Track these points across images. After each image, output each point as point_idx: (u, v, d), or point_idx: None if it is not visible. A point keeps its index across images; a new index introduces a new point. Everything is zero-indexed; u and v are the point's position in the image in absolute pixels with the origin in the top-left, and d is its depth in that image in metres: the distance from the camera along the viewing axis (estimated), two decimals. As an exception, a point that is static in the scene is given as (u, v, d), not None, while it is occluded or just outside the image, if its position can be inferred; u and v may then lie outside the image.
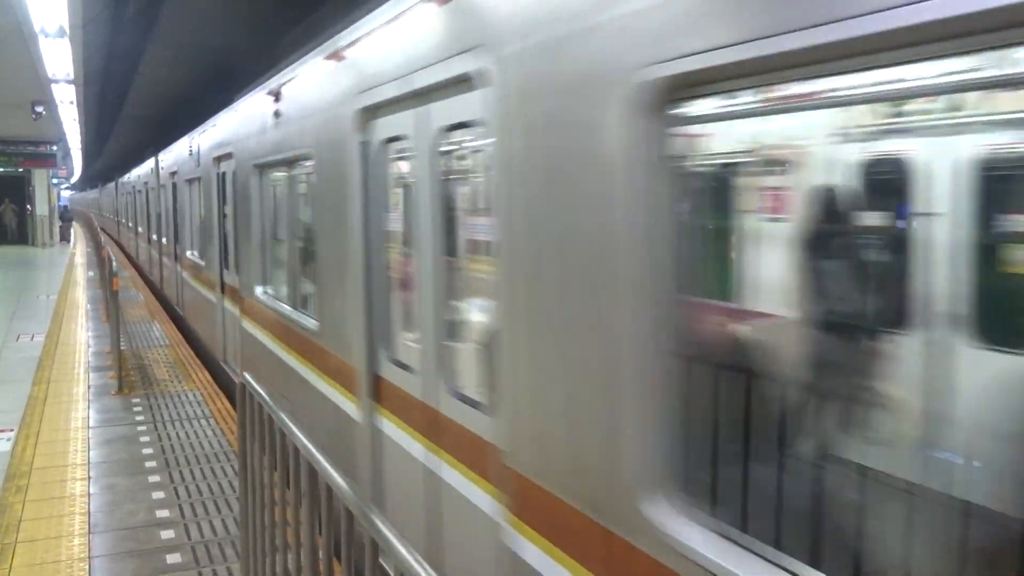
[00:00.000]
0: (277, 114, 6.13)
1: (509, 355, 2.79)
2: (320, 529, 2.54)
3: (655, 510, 2.08)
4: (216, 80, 16.22)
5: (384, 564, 2.06)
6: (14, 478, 5.88)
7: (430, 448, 3.64)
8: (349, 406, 4.58)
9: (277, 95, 6.13)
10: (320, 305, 5.19)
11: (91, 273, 20.54)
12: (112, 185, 36.29)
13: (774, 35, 1.68)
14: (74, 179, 61.66)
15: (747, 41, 1.75)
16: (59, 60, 13.02)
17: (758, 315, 3.49)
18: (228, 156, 8.35)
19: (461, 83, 3.09)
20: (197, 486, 5.77)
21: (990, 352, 3.15)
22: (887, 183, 3.42)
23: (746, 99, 2.37)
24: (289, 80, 5.82)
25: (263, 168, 6.89)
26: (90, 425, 7.25)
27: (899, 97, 2.79)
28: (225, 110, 8.71)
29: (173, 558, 4.64)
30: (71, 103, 18.21)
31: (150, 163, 18.20)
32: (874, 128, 3.22)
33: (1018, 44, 1.40)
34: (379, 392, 4.24)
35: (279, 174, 6.70)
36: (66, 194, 73.35)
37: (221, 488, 5.73)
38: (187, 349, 11.03)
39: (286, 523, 2.94)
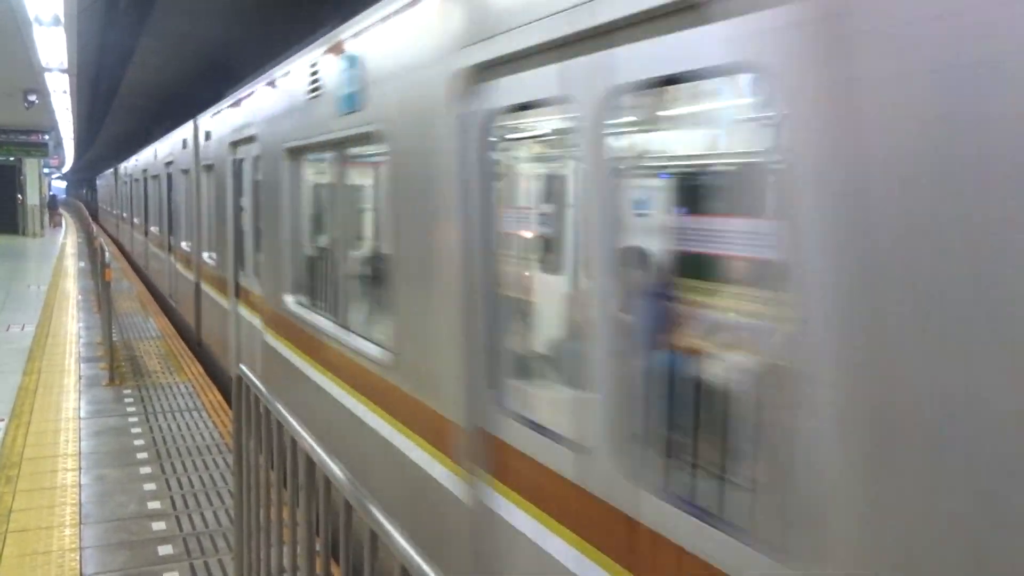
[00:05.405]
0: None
1: None
2: (317, 523, 2.55)
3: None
4: (209, 72, 16.16)
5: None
6: (4, 468, 5.86)
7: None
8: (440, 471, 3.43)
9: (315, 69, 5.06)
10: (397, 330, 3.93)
11: (82, 263, 20.44)
12: (110, 173, 32.03)
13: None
14: (65, 168, 61.30)
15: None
16: (53, 49, 12.94)
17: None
18: (249, 140, 7.24)
19: None
20: (188, 478, 5.76)
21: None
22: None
23: None
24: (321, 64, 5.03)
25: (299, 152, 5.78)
26: (81, 416, 7.22)
27: None
28: (245, 86, 7.52)
29: (164, 549, 4.63)
30: (64, 92, 18.11)
31: (153, 148, 16.15)
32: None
33: None
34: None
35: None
36: (60, 184, 72.81)
37: (213, 480, 5.73)
38: (179, 342, 11.00)
39: (282, 521, 2.94)
